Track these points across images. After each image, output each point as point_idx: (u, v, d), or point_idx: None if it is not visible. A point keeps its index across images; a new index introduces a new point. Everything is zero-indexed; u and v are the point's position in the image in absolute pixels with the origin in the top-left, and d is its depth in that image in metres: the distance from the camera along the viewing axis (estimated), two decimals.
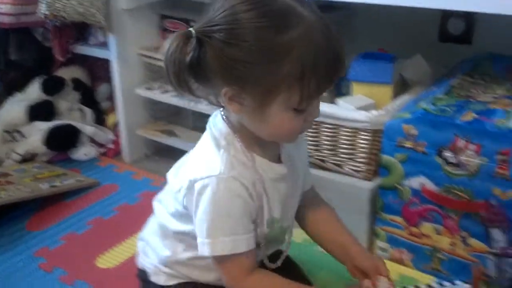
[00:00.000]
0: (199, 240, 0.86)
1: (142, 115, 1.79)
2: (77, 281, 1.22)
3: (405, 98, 1.27)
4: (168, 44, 0.79)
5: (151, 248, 1.00)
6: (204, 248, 0.85)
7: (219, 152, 0.85)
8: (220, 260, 0.87)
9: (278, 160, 0.91)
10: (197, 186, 0.84)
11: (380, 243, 1.25)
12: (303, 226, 1.05)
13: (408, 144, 1.14)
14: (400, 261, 1.23)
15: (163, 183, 0.97)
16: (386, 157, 1.18)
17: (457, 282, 1.14)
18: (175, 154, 1.04)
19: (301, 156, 0.97)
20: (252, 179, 0.85)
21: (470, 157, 1.06)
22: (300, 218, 1.04)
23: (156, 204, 1.00)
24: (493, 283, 1.13)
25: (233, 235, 0.84)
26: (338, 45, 0.78)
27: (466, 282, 1.14)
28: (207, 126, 0.90)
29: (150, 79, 1.74)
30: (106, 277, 1.23)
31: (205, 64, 0.79)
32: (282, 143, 0.91)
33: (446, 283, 1.14)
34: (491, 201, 1.07)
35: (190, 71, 0.80)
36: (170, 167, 0.95)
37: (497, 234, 1.09)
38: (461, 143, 1.07)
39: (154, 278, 0.99)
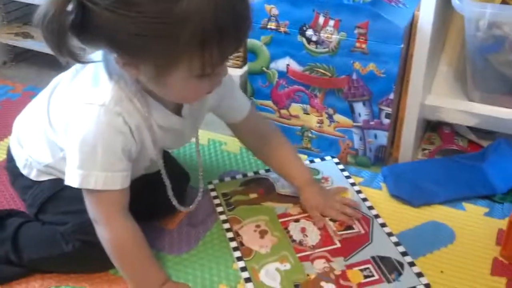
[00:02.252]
0: (69, 168, 0.80)
1: None
2: None
3: None
4: (43, 9, 0.67)
5: (28, 141, 0.93)
6: (73, 178, 0.80)
7: (110, 82, 0.78)
8: (90, 193, 0.81)
9: (178, 111, 0.86)
10: (78, 110, 0.78)
11: None
12: (258, 157, 1.08)
13: (271, 25, 1.11)
14: None
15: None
16: (252, 41, 1.15)
17: (327, 157, 1.18)
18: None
19: (208, 103, 0.92)
20: (138, 122, 0.80)
21: (330, 33, 1.06)
22: (254, 151, 1.07)
23: (45, 95, 0.91)
24: (359, 155, 1.18)
25: (108, 171, 0.79)
26: (243, 4, 0.71)
27: (335, 157, 1.18)
28: (103, 55, 0.80)
29: None
30: None
31: (90, 31, 0.69)
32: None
33: (316, 160, 1.18)
34: (352, 76, 1.09)
35: (73, 34, 0.70)
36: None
37: (360, 108, 1.12)
38: (320, 19, 1.05)
39: (25, 171, 0.94)
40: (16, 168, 0.96)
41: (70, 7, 0.68)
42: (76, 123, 0.79)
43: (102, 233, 0.83)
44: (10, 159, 0.99)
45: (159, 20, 0.67)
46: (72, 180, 0.80)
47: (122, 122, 0.78)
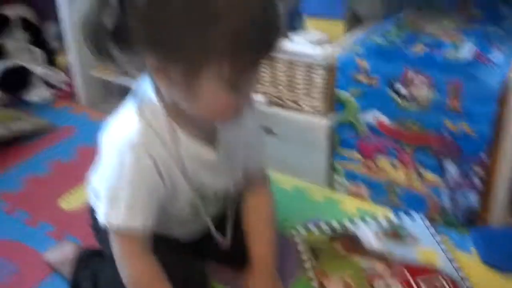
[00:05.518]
0: (99, 204, 0.83)
1: None
2: (41, 223, 1.20)
3: (357, 33, 1.25)
4: (84, 6, 0.71)
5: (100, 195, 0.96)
6: (100, 214, 0.82)
7: (137, 118, 0.79)
8: (112, 229, 0.82)
9: (212, 144, 0.86)
10: (105, 145, 0.81)
11: (338, 178, 1.26)
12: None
13: (361, 78, 1.12)
14: (358, 196, 1.25)
15: None
16: (341, 92, 1.16)
17: (413, 213, 1.16)
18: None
19: (243, 143, 0.91)
20: (165, 159, 0.81)
21: (421, 90, 1.05)
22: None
23: None
24: (447, 214, 1.15)
25: (130, 208, 0.79)
26: (276, 14, 0.72)
27: (421, 214, 1.16)
28: (134, 86, 0.83)
29: None
30: (69, 217, 1.21)
31: (127, 29, 0.72)
32: (220, 125, 0.86)
33: (402, 215, 1.16)
34: (443, 133, 1.07)
35: (112, 37, 0.73)
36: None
37: (450, 166, 1.10)
38: (412, 75, 1.05)
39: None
40: (95, 219, 0.92)
41: (111, 8, 0.70)
42: (104, 160, 0.81)
43: (121, 270, 0.84)
44: (90, 209, 0.98)
45: (192, 11, 0.67)
46: (100, 216, 0.82)
47: (147, 158, 0.78)
